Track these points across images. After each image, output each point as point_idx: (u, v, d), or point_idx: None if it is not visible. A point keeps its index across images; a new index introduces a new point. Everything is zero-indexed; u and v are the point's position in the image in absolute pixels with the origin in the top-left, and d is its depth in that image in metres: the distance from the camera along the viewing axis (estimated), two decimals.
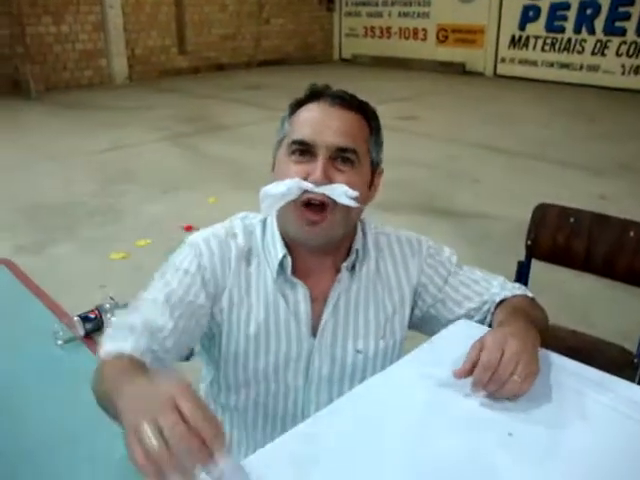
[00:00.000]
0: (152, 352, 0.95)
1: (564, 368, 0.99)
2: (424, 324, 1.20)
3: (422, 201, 4.43)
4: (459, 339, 1.06)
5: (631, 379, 1.53)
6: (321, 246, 1.06)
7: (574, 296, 2.90)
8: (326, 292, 1.10)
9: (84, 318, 2.60)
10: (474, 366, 0.90)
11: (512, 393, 0.88)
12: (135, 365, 0.88)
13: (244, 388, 1.12)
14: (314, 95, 1.06)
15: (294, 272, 1.07)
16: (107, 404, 0.82)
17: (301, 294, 1.08)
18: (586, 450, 0.81)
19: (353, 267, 1.11)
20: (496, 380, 0.88)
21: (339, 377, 1.12)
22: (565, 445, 0.82)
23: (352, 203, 0.98)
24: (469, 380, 0.91)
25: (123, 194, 4.58)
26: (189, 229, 3.86)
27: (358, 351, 1.11)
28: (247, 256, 1.09)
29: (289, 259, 1.06)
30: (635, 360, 1.66)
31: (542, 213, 1.80)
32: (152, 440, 0.62)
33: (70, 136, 6.38)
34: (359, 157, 1.02)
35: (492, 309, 1.14)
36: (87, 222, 4.03)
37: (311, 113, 1.03)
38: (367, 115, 1.07)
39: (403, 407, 0.90)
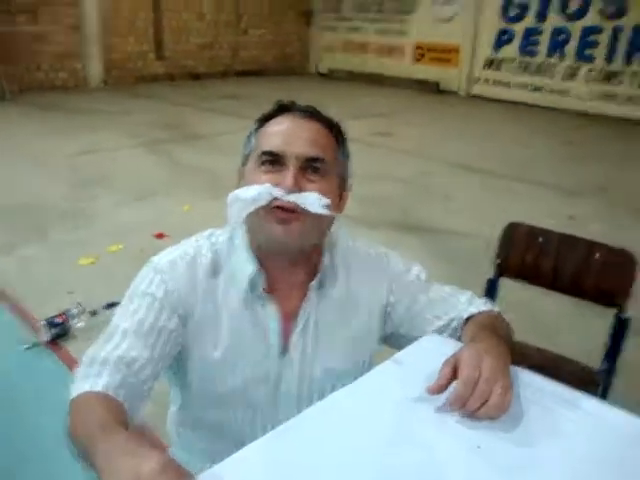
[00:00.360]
0: (128, 385, 0.92)
1: (531, 384, 1.01)
2: (394, 341, 1.20)
3: (395, 217, 4.47)
4: (427, 353, 1.08)
5: (593, 395, 1.57)
6: (294, 252, 1.04)
7: (541, 314, 2.96)
8: (295, 310, 1.08)
9: (50, 323, 2.56)
10: (448, 382, 0.90)
11: (495, 409, 0.87)
12: (110, 415, 0.83)
13: (213, 410, 1.11)
14: (282, 109, 1.06)
15: (264, 289, 1.06)
16: (83, 454, 0.80)
17: (271, 311, 1.06)
18: (554, 462, 0.83)
19: (321, 286, 1.09)
20: (478, 396, 0.87)
21: (308, 396, 1.11)
22: (534, 457, 0.84)
23: (324, 211, 0.97)
24: (438, 395, 0.92)
25: (96, 198, 4.53)
26: (161, 236, 3.83)
27: (327, 370, 1.11)
28: (214, 276, 1.06)
29: (261, 274, 1.05)
30: (596, 377, 1.70)
31: (511, 232, 1.84)
32: None
33: (45, 138, 6.29)
34: (328, 167, 1.02)
35: (461, 325, 1.16)
36: (59, 225, 3.97)
37: (280, 125, 1.03)
38: (334, 129, 1.07)
39: (370, 421, 0.90)
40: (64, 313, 2.63)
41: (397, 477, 0.79)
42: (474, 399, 0.87)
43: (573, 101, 9.50)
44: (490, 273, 1.87)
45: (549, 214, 4.28)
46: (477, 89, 10.67)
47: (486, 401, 0.87)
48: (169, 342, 1.01)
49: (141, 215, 4.24)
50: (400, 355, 1.10)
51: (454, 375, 0.91)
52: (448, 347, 1.11)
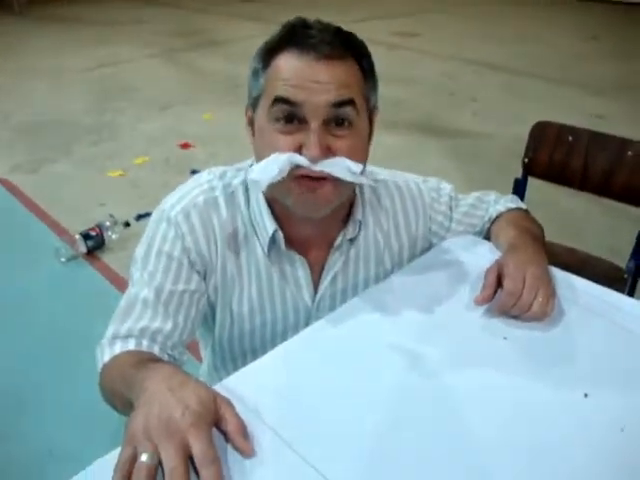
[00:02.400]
0: (159, 349, 0.90)
1: (559, 280, 1.02)
2: None
3: (420, 120, 4.39)
4: (455, 252, 1.11)
5: (620, 292, 1.59)
6: (323, 215, 0.93)
7: (569, 214, 2.95)
8: (322, 261, 1.02)
9: (85, 236, 2.64)
10: (494, 291, 0.93)
11: (537, 315, 0.90)
12: (150, 357, 0.83)
13: (242, 364, 1.06)
14: (291, 39, 0.85)
15: (287, 244, 0.98)
16: (119, 400, 0.80)
17: (298, 264, 1.00)
18: (581, 354, 0.86)
19: (351, 234, 1.02)
20: (521, 306, 0.90)
21: None
22: (561, 349, 0.87)
23: (356, 179, 0.85)
24: (467, 291, 0.96)
25: (118, 111, 4.51)
26: (186, 146, 3.84)
27: None
28: (233, 230, 0.98)
29: (281, 234, 0.96)
30: (624, 275, 1.71)
31: (540, 131, 1.81)
32: (141, 477, 0.60)
33: (60, 52, 6.20)
34: (358, 110, 0.86)
35: (488, 224, 1.17)
36: (84, 140, 3.99)
37: (293, 67, 0.83)
38: (357, 54, 0.88)
39: (402, 314, 0.94)
40: (98, 226, 2.70)
41: (425, 365, 0.83)
42: (517, 308, 0.91)
43: None
44: (518, 173, 1.86)
45: (577, 113, 4.16)
46: None
47: (529, 309, 0.90)
48: (193, 304, 0.95)
49: (164, 126, 4.23)
50: (428, 255, 1.12)
51: (498, 283, 0.94)
52: (475, 245, 1.14)
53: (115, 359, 0.86)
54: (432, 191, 1.14)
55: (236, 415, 0.69)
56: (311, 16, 0.91)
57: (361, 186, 1.02)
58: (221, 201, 0.97)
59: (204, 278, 0.97)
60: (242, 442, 0.67)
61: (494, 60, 5.92)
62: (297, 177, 0.84)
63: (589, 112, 4.35)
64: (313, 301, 1.04)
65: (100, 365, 0.89)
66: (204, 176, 1.00)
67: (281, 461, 0.67)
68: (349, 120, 0.85)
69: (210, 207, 0.96)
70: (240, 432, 0.67)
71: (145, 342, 0.89)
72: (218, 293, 1.00)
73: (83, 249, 2.63)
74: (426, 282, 1.03)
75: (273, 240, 0.97)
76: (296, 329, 1.03)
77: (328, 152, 0.83)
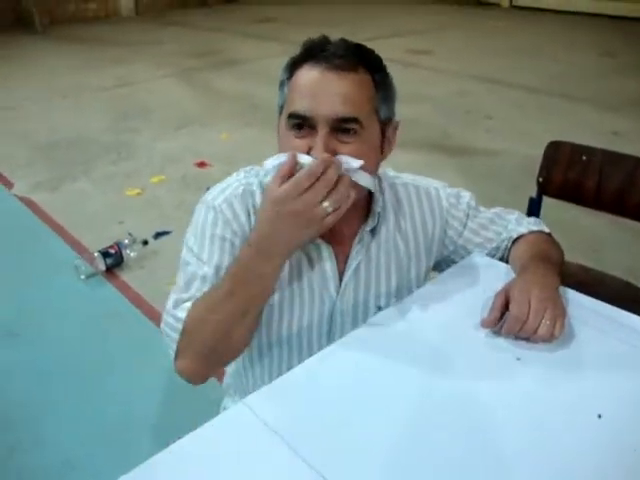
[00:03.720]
0: None
1: (573, 301, 1.04)
2: (444, 267, 1.22)
3: (434, 138, 4.41)
4: (471, 273, 1.12)
5: (636, 312, 1.59)
6: None
7: (584, 234, 2.94)
8: (346, 252, 1.09)
9: (104, 254, 2.68)
10: (501, 314, 0.95)
11: (545, 338, 0.92)
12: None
13: (267, 356, 1.14)
14: (310, 53, 0.95)
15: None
16: (230, 306, 0.91)
17: (326, 255, 1.07)
18: (593, 374, 0.88)
19: (372, 228, 1.09)
20: (527, 330, 0.92)
21: None
22: (572, 369, 0.89)
23: (355, 175, 0.91)
24: (477, 313, 0.98)
25: (135, 131, 4.59)
26: (202, 165, 3.89)
27: (379, 307, 1.12)
28: None
29: None
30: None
31: (554, 150, 1.82)
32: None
33: (80, 72, 6.32)
34: (362, 124, 0.93)
35: (509, 245, 1.18)
36: (102, 159, 4.06)
37: (308, 79, 0.93)
38: (371, 69, 0.97)
39: (415, 337, 0.96)
40: (116, 244, 2.74)
41: (440, 386, 0.84)
42: (524, 332, 0.92)
43: (618, 5, 8.96)
44: (533, 192, 1.87)
45: (592, 130, 4.16)
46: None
47: (536, 332, 0.91)
48: None
49: (180, 145, 4.29)
50: (444, 276, 1.14)
51: (506, 306, 0.96)
52: (491, 267, 1.15)
53: (190, 308, 0.95)
54: (451, 197, 1.19)
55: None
56: (327, 34, 0.98)
57: (381, 185, 1.11)
58: (257, 193, 1.06)
59: None
60: None
61: (508, 77, 5.94)
62: None
63: (605, 129, 4.35)
64: (337, 292, 1.09)
65: (177, 327, 0.96)
66: (241, 173, 1.11)
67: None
68: (354, 130, 0.93)
69: (248, 196, 1.05)
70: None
71: None
72: None
73: (102, 267, 2.67)
74: (441, 303, 1.05)
75: None
76: (320, 322, 1.10)
77: (333, 154, 0.90)
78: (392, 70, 1.04)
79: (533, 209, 1.87)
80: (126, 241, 2.79)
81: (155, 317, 2.32)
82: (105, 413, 1.93)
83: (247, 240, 0.91)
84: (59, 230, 3.09)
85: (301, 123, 0.93)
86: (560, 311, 0.94)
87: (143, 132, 4.57)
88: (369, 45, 1.00)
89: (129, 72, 6.29)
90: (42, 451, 1.79)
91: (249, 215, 1.04)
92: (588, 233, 2.96)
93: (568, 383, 0.86)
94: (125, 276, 2.69)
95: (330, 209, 0.84)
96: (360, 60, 0.95)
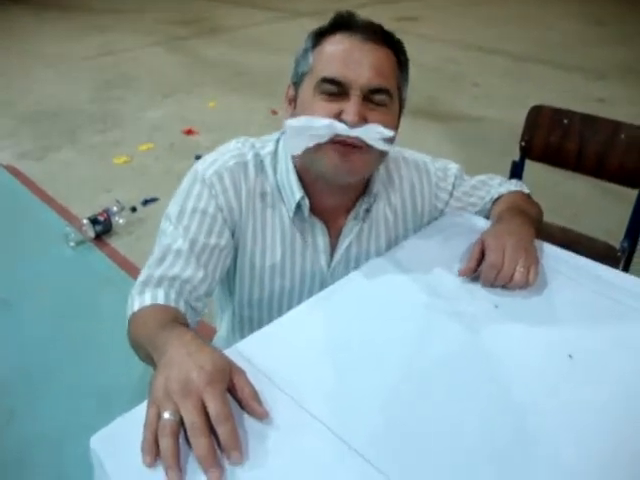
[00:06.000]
0: (184, 302, 0.96)
1: (552, 255, 1.08)
2: None
3: (420, 104, 4.42)
4: (451, 228, 1.17)
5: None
6: (347, 184, 1.03)
7: (565, 196, 3.00)
8: (339, 229, 1.10)
9: (93, 221, 2.69)
10: (478, 263, 0.99)
11: (521, 284, 0.95)
12: (174, 317, 0.88)
13: (259, 312, 1.15)
14: (342, 24, 0.97)
15: (310, 211, 1.06)
16: (143, 353, 0.86)
17: (319, 230, 1.08)
18: (569, 319, 0.92)
19: (367, 205, 1.10)
20: (503, 277, 0.95)
21: None
22: (549, 314, 0.93)
23: (386, 147, 0.95)
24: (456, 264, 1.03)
25: (121, 99, 4.56)
26: (190, 132, 3.89)
27: None
28: (261, 192, 1.06)
29: (307, 201, 1.04)
30: (617, 254, 1.77)
31: (536, 115, 1.85)
32: (166, 432, 0.65)
33: (60, 41, 6.23)
34: (391, 97, 0.96)
35: (489, 205, 1.23)
36: (88, 128, 4.04)
37: (341, 47, 0.94)
38: (396, 49, 1.00)
39: (400, 288, 1.00)
40: (105, 211, 2.75)
41: (428, 331, 0.89)
42: (500, 279, 0.96)
43: None
44: (518, 156, 1.91)
45: (578, 97, 4.19)
46: None
47: (511, 279, 0.96)
48: (221, 259, 1.02)
49: (168, 113, 4.28)
50: (428, 229, 1.18)
51: (482, 255, 1.00)
52: (471, 220, 1.19)
53: (143, 311, 0.92)
54: (439, 170, 1.21)
55: (248, 382, 0.73)
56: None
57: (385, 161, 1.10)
58: (250, 166, 1.05)
59: (232, 235, 1.05)
60: (256, 407, 0.71)
61: (496, 44, 5.93)
62: (334, 142, 0.93)
63: (591, 96, 4.39)
64: (329, 267, 1.12)
65: (129, 313, 0.95)
66: (233, 144, 1.08)
67: (295, 422, 0.72)
68: (383, 102, 0.95)
69: (240, 170, 1.04)
70: (253, 398, 0.71)
71: (173, 294, 0.95)
72: (246, 249, 1.07)
73: (91, 234, 2.69)
74: (424, 255, 1.09)
75: (298, 206, 1.05)
76: (312, 292, 1.10)
77: (363, 121, 0.92)
78: None
79: (516, 172, 1.91)
80: (114, 208, 2.80)
81: None
82: (99, 378, 1.97)
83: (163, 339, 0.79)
84: (46, 199, 3.09)
85: (333, 89, 0.93)
86: (533, 259, 0.98)
87: (129, 101, 4.53)
88: (358, 13, 1.02)
89: (113, 40, 6.21)
90: (39, 416, 1.83)
91: (238, 190, 1.03)
92: (569, 196, 3.01)
93: (542, 327, 0.90)
94: (114, 242, 2.71)
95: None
96: (388, 40, 0.98)
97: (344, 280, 1.02)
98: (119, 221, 2.80)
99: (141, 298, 0.94)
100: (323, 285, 1.10)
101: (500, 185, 1.24)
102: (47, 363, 2.04)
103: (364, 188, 1.10)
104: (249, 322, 1.17)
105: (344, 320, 0.91)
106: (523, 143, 1.88)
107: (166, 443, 0.64)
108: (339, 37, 0.96)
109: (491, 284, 0.98)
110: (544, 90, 4.45)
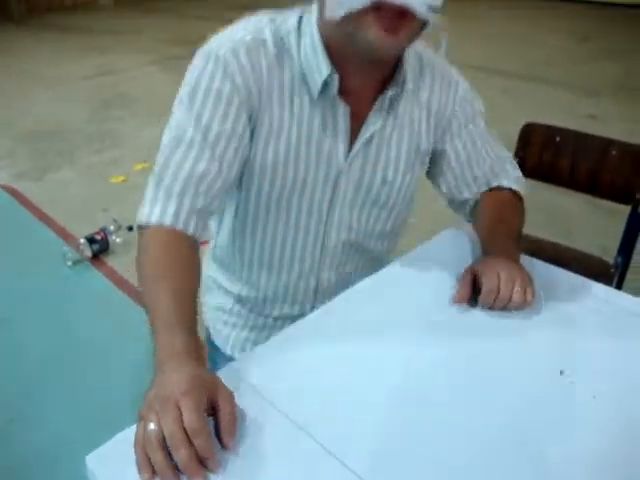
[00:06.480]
0: (198, 209, 0.92)
1: (545, 273, 1.09)
2: (432, 166, 1.20)
3: None
4: (445, 249, 1.19)
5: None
6: (383, 60, 0.94)
7: (559, 213, 3.02)
8: (364, 115, 1.02)
9: (90, 240, 2.70)
10: (470, 289, 0.99)
11: (520, 305, 0.96)
12: (178, 304, 0.81)
13: (263, 220, 1.08)
14: None
15: (338, 91, 0.97)
16: (141, 296, 0.85)
17: (341, 112, 1.00)
18: (561, 336, 0.94)
19: (393, 95, 1.01)
20: (502, 299, 0.96)
21: (361, 203, 1.11)
22: (540, 330, 0.95)
23: (433, 17, 0.84)
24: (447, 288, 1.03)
25: (119, 119, 4.59)
26: None
27: (384, 181, 1.10)
28: (279, 69, 0.96)
29: (336, 77, 0.94)
30: (610, 270, 1.78)
31: (528, 132, 1.88)
32: (153, 446, 0.65)
33: (58, 61, 6.27)
34: None
35: (485, 188, 1.19)
36: (86, 147, 4.06)
37: None
38: None
39: (392, 312, 1.01)
40: (102, 230, 2.77)
41: (416, 354, 0.90)
42: (499, 302, 0.97)
43: None
44: None
45: (569, 114, 4.24)
46: None
47: (510, 301, 0.96)
48: (239, 148, 0.95)
49: (164, 132, 4.28)
50: (418, 250, 1.19)
51: (475, 281, 1.00)
52: (464, 241, 1.21)
53: (156, 244, 0.89)
54: (468, 92, 1.15)
55: (232, 408, 0.71)
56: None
57: (410, 55, 1.02)
58: (270, 43, 0.95)
59: (249, 120, 0.96)
60: (227, 437, 0.69)
61: (487, 62, 5.98)
62: (377, 12, 0.82)
63: (582, 113, 4.43)
64: (346, 159, 1.05)
65: (141, 219, 0.91)
66: (251, 19, 0.99)
67: (289, 440, 0.72)
68: None
69: (259, 47, 0.94)
70: (230, 425, 0.70)
71: (183, 213, 0.91)
72: (260, 136, 0.98)
73: (88, 253, 2.69)
74: (414, 277, 1.10)
75: (324, 85, 0.96)
76: (324, 187, 1.05)
77: None
78: None
79: None
80: (111, 227, 2.82)
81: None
82: (96, 395, 1.97)
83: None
84: (44, 219, 3.11)
85: None
86: (528, 279, 0.99)
87: (127, 120, 4.56)
88: None
89: (111, 61, 6.25)
90: (36, 432, 1.83)
91: (255, 68, 0.94)
92: (563, 212, 3.03)
93: (534, 343, 0.92)
94: (111, 261, 2.72)
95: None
96: None
97: (337, 300, 1.02)
98: (116, 240, 2.81)
99: (151, 208, 0.91)
100: (337, 183, 1.06)
101: (505, 172, 1.20)
102: (45, 380, 2.04)
103: (391, 75, 1.00)
104: (253, 223, 1.10)
105: (339, 339, 0.92)
106: (516, 160, 1.89)
107: (156, 457, 0.64)
108: None
109: (490, 307, 0.98)
110: (535, 108, 4.49)
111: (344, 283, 1.15)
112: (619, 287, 1.79)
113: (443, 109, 1.12)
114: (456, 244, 1.20)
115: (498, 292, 0.96)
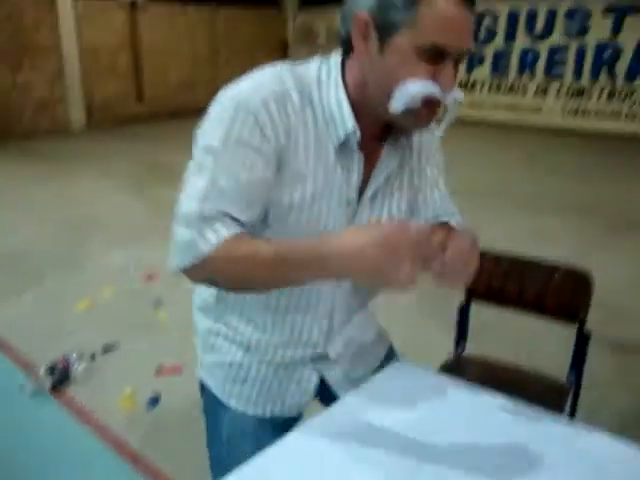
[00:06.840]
0: (242, 224, 0.98)
1: (503, 409, 1.13)
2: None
3: None
4: (397, 381, 1.23)
5: (561, 406, 1.71)
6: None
7: (514, 333, 3.08)
8: (374, 163, 1.10)
9: (51, 369, 2.66)
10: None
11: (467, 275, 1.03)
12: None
13: None
14: None
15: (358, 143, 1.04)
16: (263, 282, 0.95)
17: (359, 163, 1.07)
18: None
19: (397, 139, 1.11)
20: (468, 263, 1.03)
21: None
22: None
23: (455, 111, 1.01)
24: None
25: (85, 243, 4.64)
26: (151, 278, 3.94)
27: (390, 217, 1.16)
28: (304, 115, 1.01)
29: (358, 133, 1.02)
30: (565, 389, 1.83)
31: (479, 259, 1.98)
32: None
33: (29, 185, 6.40)
34: None
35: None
36: (52, 270, 4.08)
37: (453, 12, 0.90)
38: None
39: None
40: (64, 358, 2.73)
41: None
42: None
43: (545, 117, 9.80)
44: (460, 298, 2.02)
45: (517, 231, 4.47)
46: None
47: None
48: (265, 193, 1.00)
49: (131, 257, 4.34)
50: (370, 383, 1.23)
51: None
52: (416, 375, 1.26)
53: (225, 250, 0.94)
54: (436, 141, 1.27)
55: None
56: None
57: None
58: (294, 93, 1.00)
59: (277, 169, 1.00)
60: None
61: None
62: (426, 103, 0.95)
63: (528, 229, 4.70)
64: (358, 201, 1.10)
65: (203, 252, 0.95)
66: (270, 69, 1.03)
67: None
68: (462, 61, 0.98)
69: (286, 97, 0.99)
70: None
71: (231, 225, 0.96)
72: (283, 182, 1.01)
73: (48, 384, 2.63)
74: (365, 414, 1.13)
75: (347, 138, 1.02)
76: (339, 227, 1.08)
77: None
78: None
79: (464, 315, 2.01)
80: (74, 355, 2.78)
81: (103, 433, 2.31)
82: None
83: (326, 248, 0.87)
84: (3, 346, 3.05)
85: (437, 53, 0.92)
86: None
87: (92, 244, 4.62)
88: None
89: (80, 185, 6.41)
90: None
91: (284, 118, 0.98)
92: (517, 332, 3.09)
93: None
94: (72, 392, 2.65)
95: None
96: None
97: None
98: (78, 369, 2.76)
99: (205, 239, 0.94)
100: (350, 222, 1.10)
101: (452, 216, 1.27)
102: None
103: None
104: None
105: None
106: (468, 287, 1.99)
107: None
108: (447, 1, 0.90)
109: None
110: (489, 225, 4.71)
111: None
112: (574, 404, 1.84)
113: (425, 162, 1.23)
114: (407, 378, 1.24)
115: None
